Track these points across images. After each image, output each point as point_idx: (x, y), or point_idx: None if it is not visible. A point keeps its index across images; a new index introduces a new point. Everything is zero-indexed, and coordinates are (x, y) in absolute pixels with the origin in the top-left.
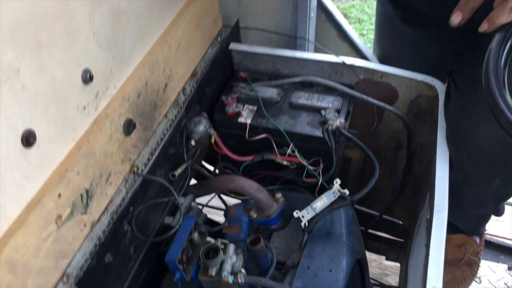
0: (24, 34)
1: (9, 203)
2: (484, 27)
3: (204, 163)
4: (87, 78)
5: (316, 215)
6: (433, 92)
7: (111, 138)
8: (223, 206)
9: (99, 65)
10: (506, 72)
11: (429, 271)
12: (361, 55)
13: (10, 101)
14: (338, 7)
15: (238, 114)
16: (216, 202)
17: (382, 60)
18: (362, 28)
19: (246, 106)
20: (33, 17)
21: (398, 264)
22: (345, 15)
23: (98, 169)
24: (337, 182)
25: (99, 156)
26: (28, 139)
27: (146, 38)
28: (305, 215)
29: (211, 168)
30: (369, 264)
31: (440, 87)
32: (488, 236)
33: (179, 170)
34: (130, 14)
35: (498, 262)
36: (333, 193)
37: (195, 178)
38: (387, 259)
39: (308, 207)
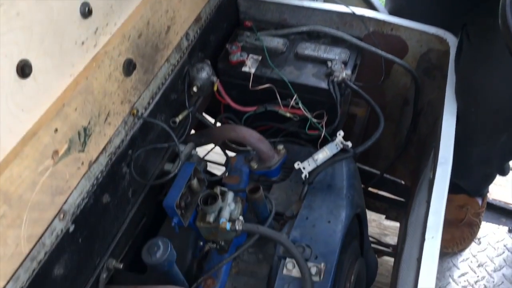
0: None
1: (4, 133)
2: None
3: (206, 115)
4: (86, 11)
5: (317, 167)
6: (444, 46)
7: (110, 77)
8: (223, 161)
9: (99, 0)
10: None
11: (429, 221)
12: (371, 7)
13: (4, 27)
14: None
15: (242, 63)
16: (216, 157)
17: (393, 13)
18: None
19: (250, 55)
20: None
21: (397, 225)
22: None
23: (96, 107)
24: (340, 134)
25: (97, 94)
26: (24, 69)
27: None
28: (306, 166)
29: (212, 120)
30: (368, 224)
31: (452, 41)
32: (490, 198)
33: (180, 117)
34: None
35: (499, 224)
36: (336, 145)
37: (196, 129)
38: (387, 218)
39: (310, 159)
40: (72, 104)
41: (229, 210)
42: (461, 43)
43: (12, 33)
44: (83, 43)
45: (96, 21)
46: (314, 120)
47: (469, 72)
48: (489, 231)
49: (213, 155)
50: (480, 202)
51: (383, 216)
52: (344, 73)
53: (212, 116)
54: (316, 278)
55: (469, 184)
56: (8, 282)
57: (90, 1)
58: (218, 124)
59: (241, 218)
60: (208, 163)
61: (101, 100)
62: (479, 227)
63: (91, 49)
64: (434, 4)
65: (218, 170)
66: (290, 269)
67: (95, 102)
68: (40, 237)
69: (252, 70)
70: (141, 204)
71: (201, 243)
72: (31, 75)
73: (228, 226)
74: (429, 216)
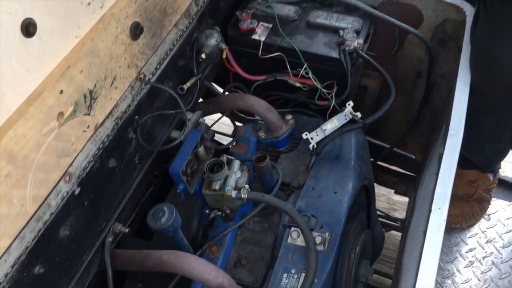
0: None
1: (8, 93)
2: None
3: (215, 85)
4: None
5: (326, 137)
6: (461, 16)
7: (117, 39)
8: (230, 133)
9: None
10: None
11: (436, 193)
12: None
13: None
14: None
15: (252, 31)
16: (226, 128)
17: None
18: None
19: (261, 23)
20: None
21: (406, 200)
22: None
23: (102, 70)
24: (350, 104)
25: (103, 57)
26: (28, 28)
27: None
28: (314, 137)
29: (222, 91)
30: (377, 198)
31: (469, 10)
32: (503, 174)
33: (188, 84)
34: None
35: (510, 201)
36: (345, 115)
37: (204, 98)
38: (396, 192)
39: (318, 129)
40: (77, 66)
41: (235, 178)
42: (478, 13)
43: None
44: (89, 3)
45: None
46: (324, 90)
47: (485, 42)
48: (500, 207)
49: (223, 126)
50: (491, 178)
51: (393, 191)
52: (356, 42)
53: (221, 86)
54: (320, 248)
55: (480, 159)
56: (13, 240)
57: None
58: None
59: (246, 186)
60: (217, 135)
61: (108, 63)
62: (489, 203)
63: (97, 11)
64: None
65: (227, 141)
66: (295, 238)
67: (101, 65)
68: (46, 198)
69: (262, 38)
70: (148, 170)
71: (207, 211)
72: (36, 34)
73: (233, 194)
74: (437, 187)
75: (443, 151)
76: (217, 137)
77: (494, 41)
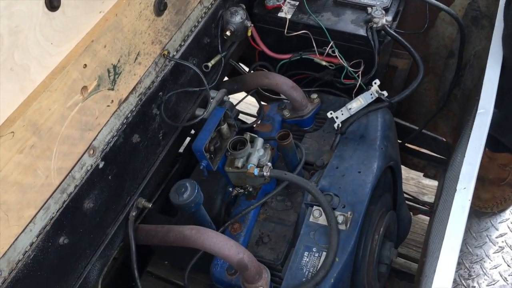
0: None
1: (33, 66)
2: None
3: (241, 65)
4: None
5: (351, 116)
6: None
7: (141, 15)
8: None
9: None
10: None
11: (462, 172)
12: None
13: None
14: None
15: (279, 9)
16: (251, 108)
17: None
18: None
19: (287, 0)
20: None
21: (435, 184)
22: None
23: (126, 46)
24: (376, 83)
25: (127, 32)
26: (52, 1)
27: None
28: (339, 116)
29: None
30: (406, 182)
31: None
32: None
33: (213, 62)
34: None
35: None
36: (371, 94)
37: (228, 76)
38: (425, 176)
39: (343, 108)
40: (101, 41)
41: (257, 156)
42: None
43: None
44: None
45: None
46: (351, 69)
47: None
48: None
49: (249, 107)
50: None
51: (422, 175)
52: (384, 20)
53: (247, 65)
54: (342, 227)
55: None
56: (39, 211)
57: None
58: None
59: (269, 164)
60: (242, 115)
61: (131, 39)
62: None
63: None
64: None
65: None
66: (317, 216)
67: (124, 40)
68: (70, 171)
69: (288, 16)
70: (172, 147)
71: (230, 189)
72: (60, 8)
73: (256, 171)
74: (463, 166)
75: (471, 130)
76: (243, 117)
77: None
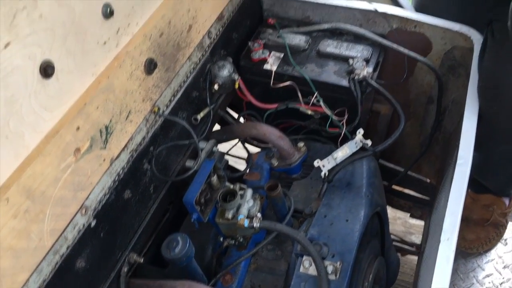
0: None
1: (27, 132)
2: None
3: (229, 110)
4: (107, 12)
5: (337, 165)
6: (468, 44)
7: (132, 75)
8: (245, 156)
9: (120, 1)
10: None
11: (445, 223)
12: (395, 3)
13: (28, 29)
14: None
15: (264, 61)
16: (242, 152)
17: (419, 10)
18: None
19: (272, 53)
20: None
21: (422, 223)
22: None
23: (117, 106)
24: (360, 132)
25: (119, 93)
26: (47, 69)
27: None
28: (325, 164)
29: (236, 115)
30: (394, 222)
31: (477, 38)
32: None
33: (202, 114)
34: None
35: None
36: (355, 143)
37: (220, 123)
38: (411, 216)
39: (329, 157)
40: (94, 103)
41: (247, 207)
42: (485, 41)
43: (35, 35)
44: (105, 43)
45: (117, 22)
46: (335, 118)
47: (493, 70)
48: None
49: (238, 150)
50: (507, 202)
51: (409, 214)
52: (365, 71)
53: (236, 111)
54: (332, 277)
55: (494, 184)
56: (31, 274)
57: (112, 2)
58: (241, 119)
59: (259, 215)
60: (232, 158)
61: (123, 99)
62: (505, 228)
63: (113, 49)
64: (460, 0)
65: (242, 165)
66: (307, 267)
67: (116, 100)
68: (63, 232)
69: (274, 68)
70: (163, 200)
71: (221, 239)
72: (54, 75)
73: (246, 223)
74: (446, 217)
75: (452, 180)
76: (232, 159)
77: (502, 69)
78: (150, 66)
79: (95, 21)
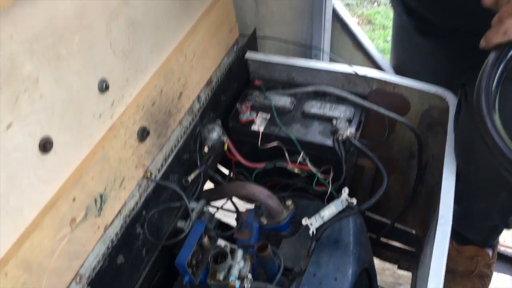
0: (43, 47)
1: (26, 206)
2: (482, 44)
3: (220, 166)
4: (103, 87)
5: (324, 223)
6: (444, 104)
7: (126, 144)
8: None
9: (115, 75)
10: (498, 94)
11: (429, 284)
12: (375, 65)
13: (29, 109)
14: (363, 13)
15: (252, 122)
16: (231, 205)
17: (397, 70)
18: (386, 35)
19: (259, 114)
20: (52, 31)
21: (411, 274)
22: (370, 21)
23: (112, 174)
24: (345, 191)
25: (113, 162)
26: (46, 145)
27: (162, 48)
28: (313, 222)
29: (227, 171)
30: (382, 273)
31: (452, 100)
32: (502, 248)
33: (192, 176)
34: (147, 25)
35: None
36: (341, 202)
37: (211, 181)
38: (399, 268)
39: (317, 215)
40: (89, 173)
41: (238, 268)
42: (460, 102)
43: (35, 114)
44: (100, 115)
45: (112, 95)
46: (321, 177)
47: (467, 131)
48: (502, 281)
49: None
50: (490, 253)
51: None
52: (348, 132)
53: (226, 167)
54: None
55: (476, 236)
56: None
57: (108, 76)
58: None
59: (249, 276)
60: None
61: (117, 167)
62: (490, 279)
63: (107, 121)
64: (435, 62)
65: (232, 218)
66: None
67: (111, 169)
68: None
69: (261, 129)
70: (155, 262)
71: None
72: (52, 149)
73: (237, 284)
74: (429, 278)
75: (434, 240)
76: (222, 212)
77: (476, 131)
78: (143, 134)
79: (91, 96)
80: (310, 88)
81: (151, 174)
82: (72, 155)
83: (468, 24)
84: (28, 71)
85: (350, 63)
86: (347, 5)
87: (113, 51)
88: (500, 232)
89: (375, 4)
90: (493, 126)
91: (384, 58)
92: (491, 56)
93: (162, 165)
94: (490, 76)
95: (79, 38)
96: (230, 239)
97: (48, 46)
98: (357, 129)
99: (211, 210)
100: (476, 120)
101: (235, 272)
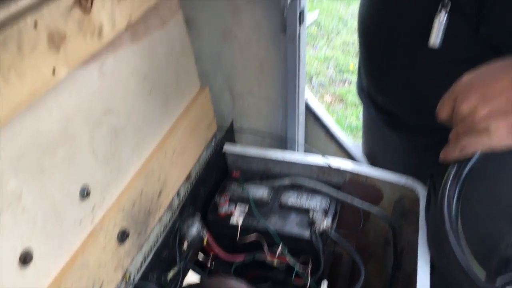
0: (27, 162)
1: None
2: (441, 158)
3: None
4: (85, 193)
5: None
6: (415, 195)
7: (105, 248)
8: None
9: (97, 180)
10: (460, 205)
11: None
12: (348, 154)
13: (11, 224)
14: (334, 92)
15: (230, 215)
16: None
17: (369, 158)
18: (358, 112)
19: (238, 206)
20: (37, 146)
21: None
22: (342, 100)
23: (91, 280)
24: (324, 283)
25: (92, 267)
26: (26, 258)
27: (143, 149)
28: None
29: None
30: None
31: (422, 191)
32: None
33: (172, 273)
34: (129, 129)
35: None
36: None
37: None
38: None
39: None
40: (68, 281)
41: None
42: (429, 194)
43: (17, 228)
44: (81, 221)
45: (93, 199)
46: (299, 270)
47: (438, 224)
48: None
49: None
50: None
51: None
52: (325, 224)
53: (206, 255)
54: None
55: None
56: None
57: (89, 183)
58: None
59: None
60: None
61: (96, 271)
62: None
63: (88, 226)
64: (404, 155)
65: None
66: None
67: (90, 274)
68: None
69: (240, 222)
70: None
71: None
72: (32, 262)
73: None
74: None
75: None
76: None
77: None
78: (123, 236)
79: (73, 203)
80: (286, 181)
81: (129, 276)
82: (51, 265)
83: (433, 122)
84: (12, 187)
85: (324, 153)
86: (320, 84)
87: (95, 157)
88: None
89: (346, 83)
90: (458, 245)
91: (356, 141)
92: (451, 172)
93: (141, 265)
94: (450, 192)
95: (63, 149)
96: None
97: (33, 161)
98: (333, 220)
99: None
100: (440, 237)
101: None
